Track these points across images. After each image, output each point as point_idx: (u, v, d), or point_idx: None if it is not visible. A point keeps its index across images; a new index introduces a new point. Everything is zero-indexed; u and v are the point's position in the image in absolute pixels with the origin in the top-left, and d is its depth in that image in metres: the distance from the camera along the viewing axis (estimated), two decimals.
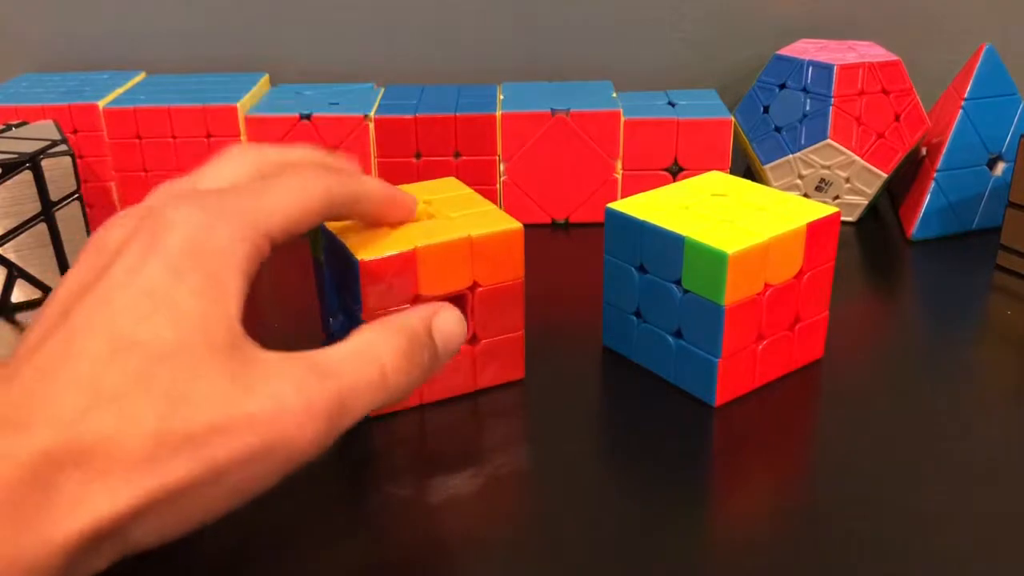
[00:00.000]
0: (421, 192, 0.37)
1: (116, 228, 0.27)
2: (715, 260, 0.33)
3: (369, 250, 0.32)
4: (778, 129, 0.53)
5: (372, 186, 0.32)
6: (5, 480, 0.21)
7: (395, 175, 0.50)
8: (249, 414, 0.23)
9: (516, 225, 0.34)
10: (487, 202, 0.36)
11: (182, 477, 0.22)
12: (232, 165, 0.30)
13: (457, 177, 0.40)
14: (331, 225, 0.34)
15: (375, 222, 0.33)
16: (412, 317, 0.28)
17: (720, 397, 0.35)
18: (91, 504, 0.21)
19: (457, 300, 0.34)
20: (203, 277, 0.25)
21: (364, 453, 0.33)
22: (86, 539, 0.21)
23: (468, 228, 0.34)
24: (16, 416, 0.22)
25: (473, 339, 0.35)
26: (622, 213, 0.36)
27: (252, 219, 0.27)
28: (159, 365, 0.23)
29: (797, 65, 0.53)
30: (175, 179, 0.30)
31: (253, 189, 0.28)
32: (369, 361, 0.26)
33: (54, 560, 0.21)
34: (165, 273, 0.24)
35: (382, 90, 0.56)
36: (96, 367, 0.23)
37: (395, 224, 0.34)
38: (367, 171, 0.52)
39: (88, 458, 0.22)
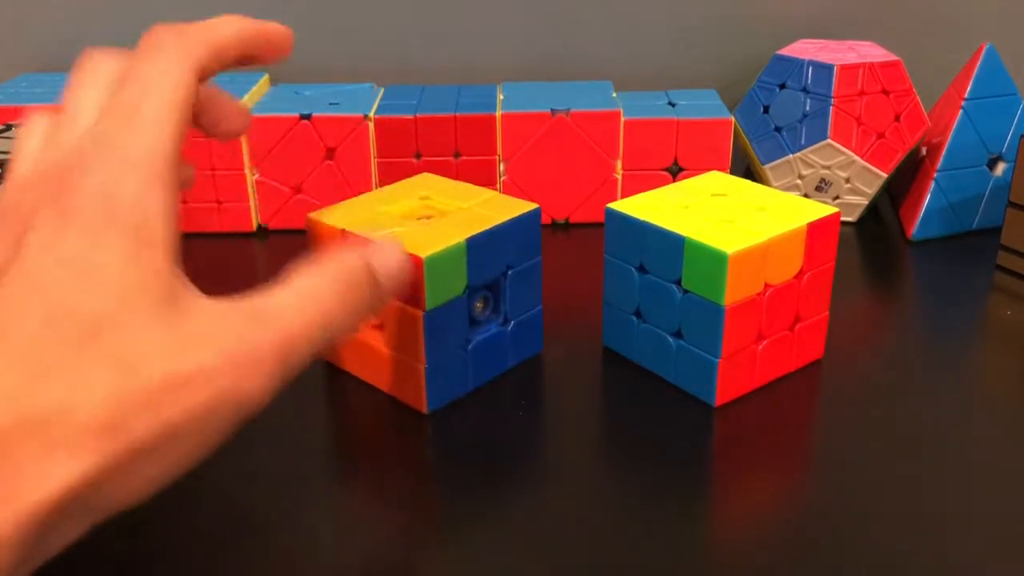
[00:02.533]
0: (409, 189, 0.38)
1: (15, 192, 0.26)
2: (715, 260, 0.33)
3: (423, 248, 0.33)
4: (778, 129, 0.53)
5: (227, 33, 0.30)
6: None
7: (395, 175, 0.50)
8: (199, 367, 0.23)
9: (532, 205, 0.36)
10: (483, 189, 0.38)
11: (142, 436, 0.22)
12: (91, 91, 0.28)
13: (457, 177, 0.40)
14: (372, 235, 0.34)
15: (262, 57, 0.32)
16: (349, 254, 0.28)
17: (720, 397, 0.35)
18: (54, 473, 0.21)
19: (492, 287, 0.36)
20: (123, 235, 0.24)
21: (362, 453, 0.33)
22: (54, 508, 0.21)
23: (494, 216, 0.35)
24: None
25: (504, 321, 0.37)
26: (622, 213, 0.36)
27: (150, 146, 0.26)
28: (99, 330, 0.23)
29: (797, 65, 0.53)
30: (43, 119, 0.28)
31: (128, 111, 0.26)
32: (310, 304, 0.26)
33: (23, 534, 0.21)
34: (84, 240, 0.24)
35: (382, 90, 0.56)
36: (33, 342, 0.22)
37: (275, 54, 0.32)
38: (367, 171, 0.52)
39: (44, 428, 0.21)
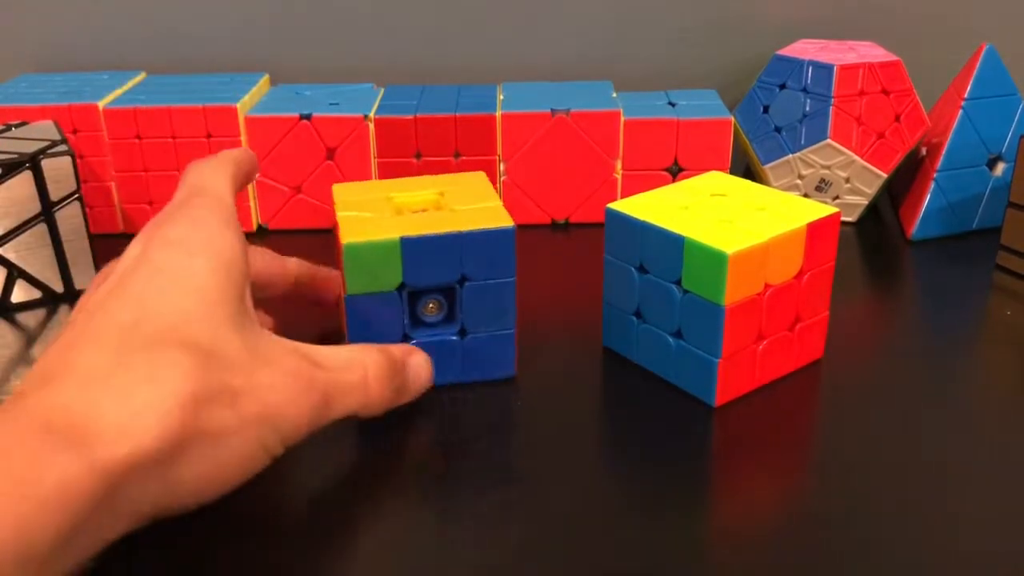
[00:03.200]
0: (441, 183, 0.39)
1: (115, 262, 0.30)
2: (715, 260, 0.33)
3: (356, 234, 0.34)
4: (778, 129, 0.53)
5: (235, 153, 0.35)
6: (44, 419, 0.23)
7: (395, 175, 0.50)
8: (266, 379, 0.26)
9: (507, 223, 0.35)
10: (493, 196, 0.37)
11: (218, 423, 0.25)
12: None
13: None
14: (339, 212, 0.36)
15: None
16: (395, 348, 0.33)
17: (720, 397, 0.35)
18: (133, 437, 0.23)
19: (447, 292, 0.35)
20: (213, 256, 0.28)
21: (364, 454, 0.33)
22: (126, 468, 0.23)
23: (459, 223, 0.35)
24: (47, 376, 0.24)
25: (462, 332, 0.36)
26: (622, 213, 0.36)
27: (224, 198, 0.31)
28: (186, 325, 0.26)
29: (797, 65, 0.53)
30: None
31: (204, 179, 0.32)
32: (355, 366, 0.30)
33: (100, 482, 0.22)
34: (180, 254, 0.28)
35: (382, 90, 0.56)
36: (124, 329, 0.25)
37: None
38: (367, 171, 0.52)
39: (127, 401, 0.24)
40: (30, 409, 0.23)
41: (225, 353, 0.26)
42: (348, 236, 0.33)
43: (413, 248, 0.34)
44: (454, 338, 0.36)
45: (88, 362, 0.24)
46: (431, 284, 0.35)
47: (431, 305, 0.35)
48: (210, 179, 0.32)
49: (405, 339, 0.35)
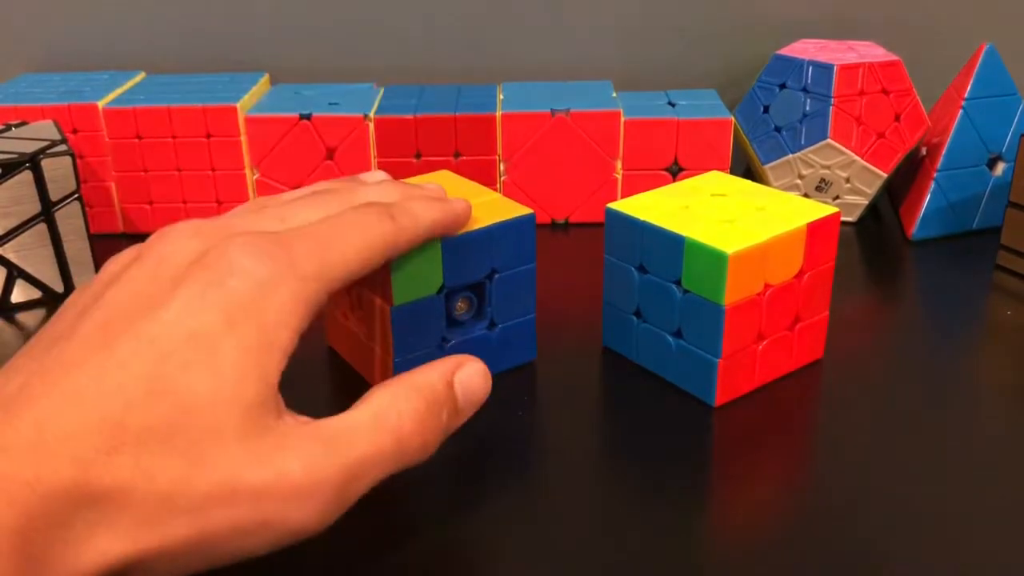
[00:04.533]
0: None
1: (181, 240, 0.27)
2: (715, 260, 0.33)
3: None
4: (778, 129, 0.53)
5: (429, 223, 0.32)
6: (25, 510, 0.21)
7: (395, 175, 0.50)
8: (252, 487, 0.23)
9: (527, 210, 0.36)
10: (488, 191, 0.37)
11: (178, 540, 0.22)
12: (309, 211, 0.30)
13: None
14: None
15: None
16: (433, 373, 0.28)
17: (720, 397, 0.35)
18: (96, 548, 0.21)
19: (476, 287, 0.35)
20: (255, 333, 0.25)
21: None
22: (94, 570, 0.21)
23: (482, 219, 0.35)
24: (41, 442, 0.22)
25: (491, 325, 0.36)
26: (622, 213, 0.36)
27: (316, 275, 0.27)
28: (186, 419, 0.23)
29: (797, 65, 0.53)
30: (257, 202, 0.31)
31: (320, 239, 0.27)
32: (385, 429, 0.26)
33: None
34: (219, 322, 0.24)
35: (382, 90, 0.56)
36: (130, 410, 0.23)
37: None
38: (367, 171, 0.52)
39: (102, 503, 0.22)
40: None
41: (216, 461, 0.23)
42: None
43: (452, 249, 0.34)
44: (486, 332, 0.36)
45: (86, 452, 0.22)
46: (466, 282, 0.35)
47: (461, 304, 0.35)
48: (351, 251, 0.28)
49: (443, 342, 0.35)
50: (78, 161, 0.45)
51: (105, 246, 0.43)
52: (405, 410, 0.26)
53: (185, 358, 0.23)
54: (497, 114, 0.51)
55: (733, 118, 0.52)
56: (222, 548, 0.23)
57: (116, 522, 0.22)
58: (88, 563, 0.21)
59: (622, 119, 0.51)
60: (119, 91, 0.55)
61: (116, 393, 0.23)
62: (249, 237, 0.26)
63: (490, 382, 0.29)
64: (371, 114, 0.51)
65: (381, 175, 0.36)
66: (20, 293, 0.44)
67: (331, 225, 0.28)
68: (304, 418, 0.25)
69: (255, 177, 0.52)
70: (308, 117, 0.51)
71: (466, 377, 0.28)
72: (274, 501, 0.23)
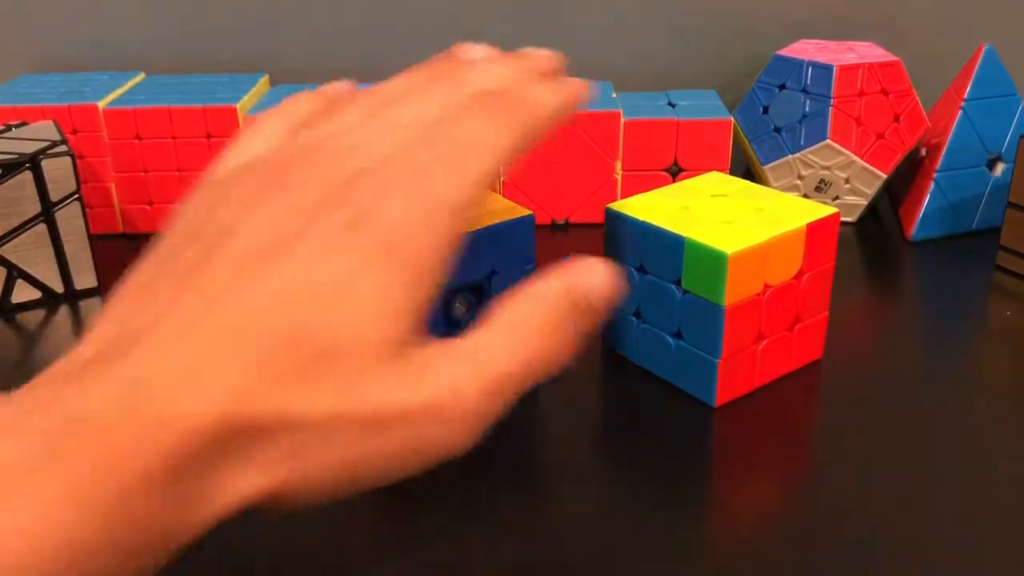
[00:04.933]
0: None
1: (309, 170, 0.26)
2: (715, 260, 0.33)
3: None
4: (778, 129, 0.53)
5: (555, 109, 0.29)
6: (172, 447, 0.20)
7: None
8: (401, 413, 0.23)
9: (526, 211, 0.36)
10: (489, 192, 0.37)
11: (328, 469, 0.23)
12: (427, 105, 0.28)
13: None
14: None
15: None
16: (553, 283, 0.26)
17: (720, 398, 0.35)
18: (244, 481, 0.22)
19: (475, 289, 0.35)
20: (395, 273, 0.24)
21: None
22: (231, 513, 0.21)
23: (481, 219, 0.35)
24: (189, 375, 0.21)
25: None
26: (622, 213, 0.36)
27: (455, 204, 0.25)
28: (332, 359, 0.23)
29: (797, 65, 0.53)
30: (358, 98, 0.29)
31: (454, 160, 0.26)
32: (516, 341, 0.25)
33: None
34: (359, 264, 0.24)
35: None
36: (273, 352, 0.22)
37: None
38: None
39: (249, 438, 0.21)
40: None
41: (366, 388, 0.23)
42: None
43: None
44: None
45: (238, 382, 0.22)
46: (466, 283, 0.35)
47: (459, 305, 0.35)
48: (491, 148, 0.26)
49: None
50: (78, 161, 0.45)
51: (105, 246, 0.44)
52: (533, 324, 0.25)
53: (323, 302, 0.23)
54: None
55: (733, 118, 0.52)
56: (370, 473, 0.23)
57: (264, 456, 0.22)
58: (236, 496, 0.21)
59: (622, 119, 0.51)
60: (119, 91, 0.55)
61: (257, 336, 0.22)
62: (383, 176, 0.25)
63: (612, 277, 0.27)
64: None
65: (483, 49, 0.32)
66: (20, 293, 0.44)
67: (460, 137, 0.27)
68: (439, 342, 0.25)
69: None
70: None
71: (584, 277, 0.27)
72: (423, 425, 0.23)
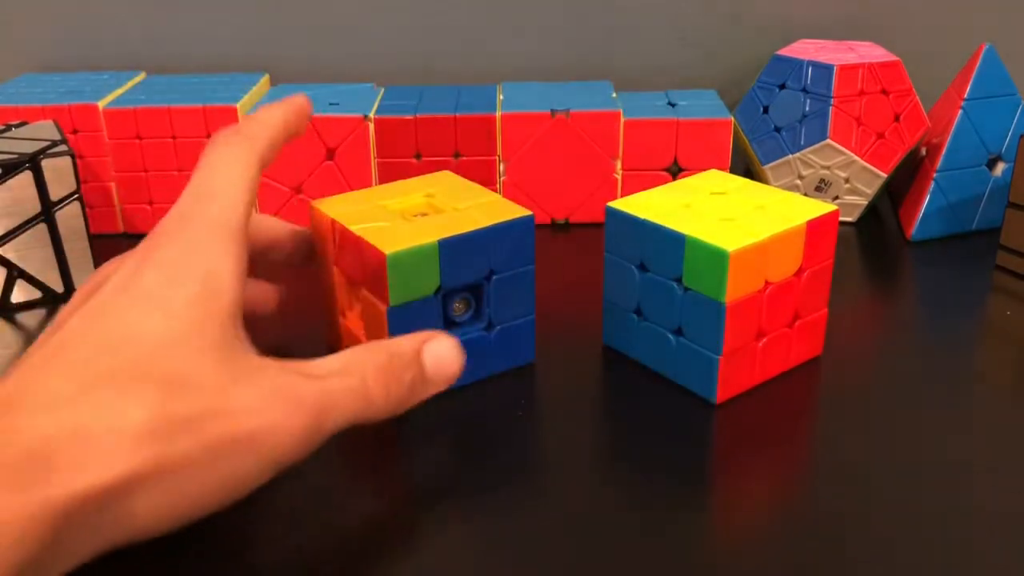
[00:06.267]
0: (420, 185, 0.39)
1: (110, 265, 0.29)
2: (716, 258, 0.33)
3: (392, 244, 0.33)
4: (778, 129, 0.53)
5: (279, 119, 0.33)
6: (3, 455, 0.22)
7: (395, 176, 0.50)
8: (242, 403, 0.25)
9: (526, 212, 0.36)
10: (489, 192, 0.38)
11: (180, 452, 0.23)
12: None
13: None
14: (352, 226, 0.34)
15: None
16: (403, 340, 0.30)
17: (721, 394, 0.35)
18: (87, 471, 0.22)
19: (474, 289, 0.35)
20: (194, 281, 0.26)
21: (362, 449, 0.33)
22: (79, 505, 0.22)
23: (481, 220, 0.35)
24: (10, 401, 0.23)
25: (488, 326, 0.36)
26: (622, 211, 0.36)
27: (222, 216, 0.29)
28: (155, 355, 0.24)
29: (797, 65, 0.53)
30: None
31: (202, 189, 0.30)
32: (351, 372, 0.28)
33: (51, 521, 0.21)
34: (158, 278, 0.26)
35: (382, 90, 0.56)
36: (92, 357, 0.24)
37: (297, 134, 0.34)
38: (367, 171, 0.52)
39: (85, 433, 0.22)
40: None
41: (198, 383, 0.24)
42: (386, 247, 0.33)
43: (450, 250, 0.34)
44: (484, 333, 0.36)
45: (53, 389, 0.23)
46: (464, 283, 0.35)
47: (459, 305, 0.35)
48: (222, 178, 0.30)
49: None
50: (78, 161, 0.45)
51: (105, 246, 0.43)
52: (370, 361, 0.28)
53: (136, 313, 0.26)
54: (497, 114, 0.51)
55: (733, 118, 0.52)
56: (222, 467, 0.24)
57: (106, 445, 0.23)
58: (83, 484, 0.22)
59: (622, 119, 0.51)
60: (119, 91, 0.55)
61: (74, 349, 0.25)
62: (160, 228, 0.29)
63: (462, 360, 0.30)
64: (371, 114, 0.51)
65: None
66: (20, 293, 0.44)
67: (199, 171, 0.30)
68: (274, 359, 0.27)
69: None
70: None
71: (436, 348, 0.30)
72: (263, 414, 0.25)
